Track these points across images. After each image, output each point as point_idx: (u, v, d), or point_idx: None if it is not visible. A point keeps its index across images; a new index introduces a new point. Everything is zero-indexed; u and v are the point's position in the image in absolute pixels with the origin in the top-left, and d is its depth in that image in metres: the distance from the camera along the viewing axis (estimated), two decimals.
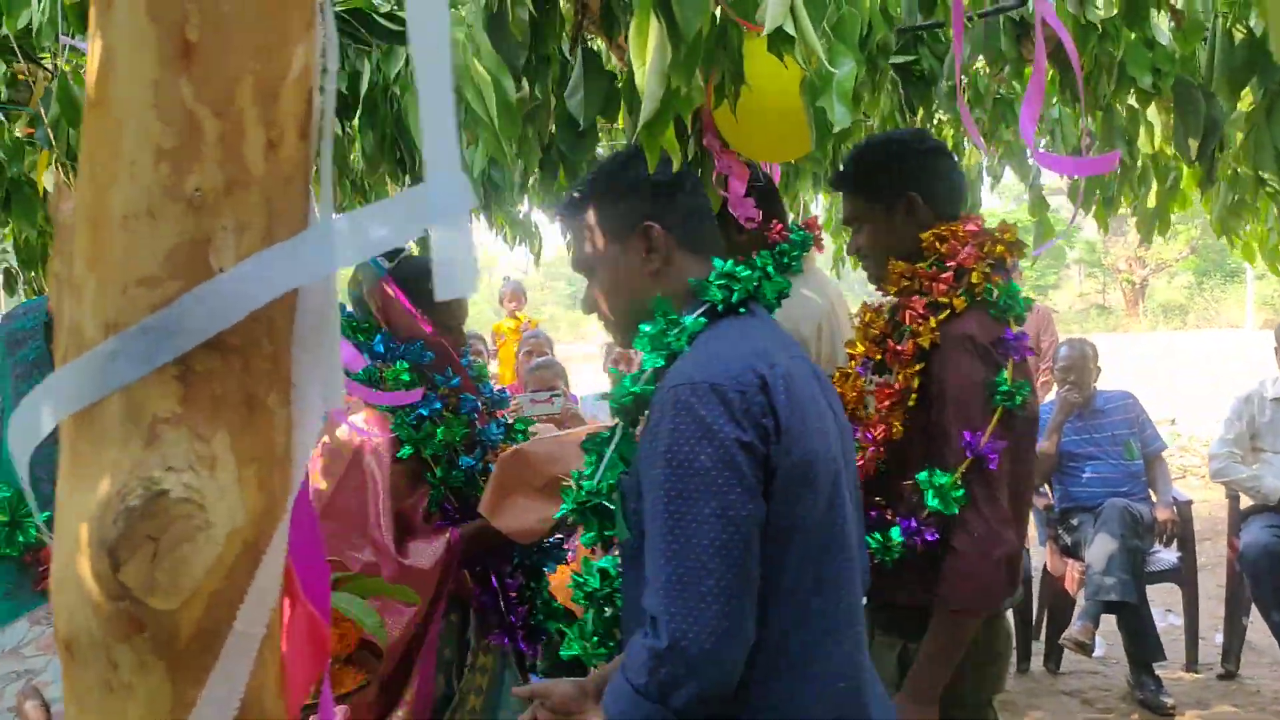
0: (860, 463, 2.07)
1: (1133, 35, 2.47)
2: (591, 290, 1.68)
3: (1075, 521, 4.78)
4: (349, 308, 2.45)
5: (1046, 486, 5.06)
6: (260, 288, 0.58)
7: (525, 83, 2.24)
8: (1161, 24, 2.40)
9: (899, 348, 2.09)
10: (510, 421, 2.61)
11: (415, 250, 2.53)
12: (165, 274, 0.56)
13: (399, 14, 2.19)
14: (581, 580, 1.74)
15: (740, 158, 2.09)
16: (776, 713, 1.40)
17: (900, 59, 2.99)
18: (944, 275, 2.07)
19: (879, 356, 2.16)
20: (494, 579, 2.47)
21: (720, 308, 1.55)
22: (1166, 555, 4.75)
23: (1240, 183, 2.89)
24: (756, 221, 2.10)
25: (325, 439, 2.27)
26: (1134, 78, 2.44)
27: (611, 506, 1.61)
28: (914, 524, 2.03)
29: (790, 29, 1.58)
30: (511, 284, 8.50)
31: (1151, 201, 3.57)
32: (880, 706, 1.53)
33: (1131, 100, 2.52)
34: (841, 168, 2.33)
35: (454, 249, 0.63)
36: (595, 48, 2.03)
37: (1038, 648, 4.83)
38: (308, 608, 0.68)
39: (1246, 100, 2.46)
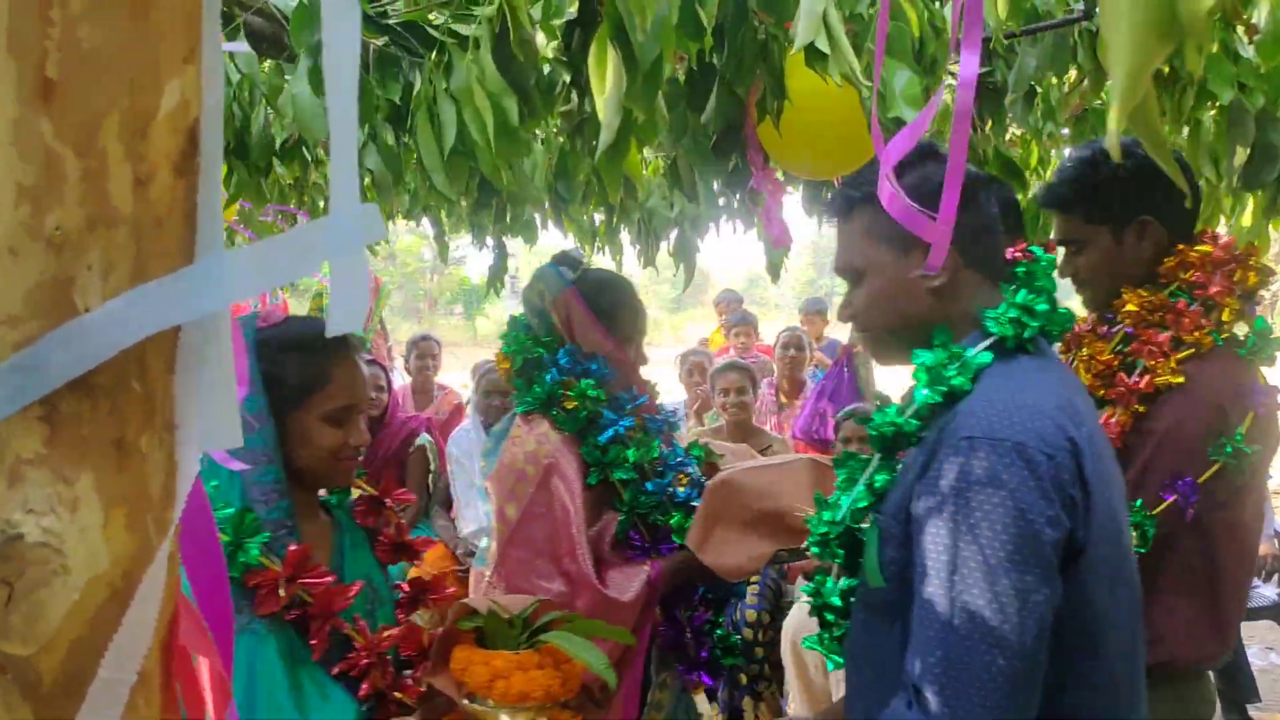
0: None
1: (1215, 47, 2.34)
2: (853, 297, 1.54)
3: None
4: (528, 320, 2.33)
5: None
6: (128, 328, 0.56)
7: (575, 97, 2.25)
8: (1244, 37, 2.27)
9: (1133, 383, 1.90)
10: (685, 445, 2.47)
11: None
12: (27, 313, 0.55)
13: (453, 26, 2.20)
14: (820, 598, 1.61)
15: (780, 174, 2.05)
16: None
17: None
18: (1192, 310, 1.88)
19: (1101, 392, 1.98)
20: (678, 613, 2.33)
21: (1010, 344, 1.39)
22: (1267, 591, 4.50)
23: None
24: (787, 243, 2.04)
25: (506, 459, 2.21)
26: (1214, 93, 2.31)
27: (860, 537, 1.47)
28: None
29: (824, 45, 1.54)
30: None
31: (1248, 220, 3.39)
32: None
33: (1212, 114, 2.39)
34: (1054, 182, 2.13)
35: (350, 283, 0.62)
36: None
37: None
38: (207, 654, 0.67)
39: None
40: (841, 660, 1.57)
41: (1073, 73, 3.33)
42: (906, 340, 1.46)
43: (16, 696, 0.57)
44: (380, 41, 2.17)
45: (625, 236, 3.89)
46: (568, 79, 2.18)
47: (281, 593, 1.55)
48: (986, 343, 1.39)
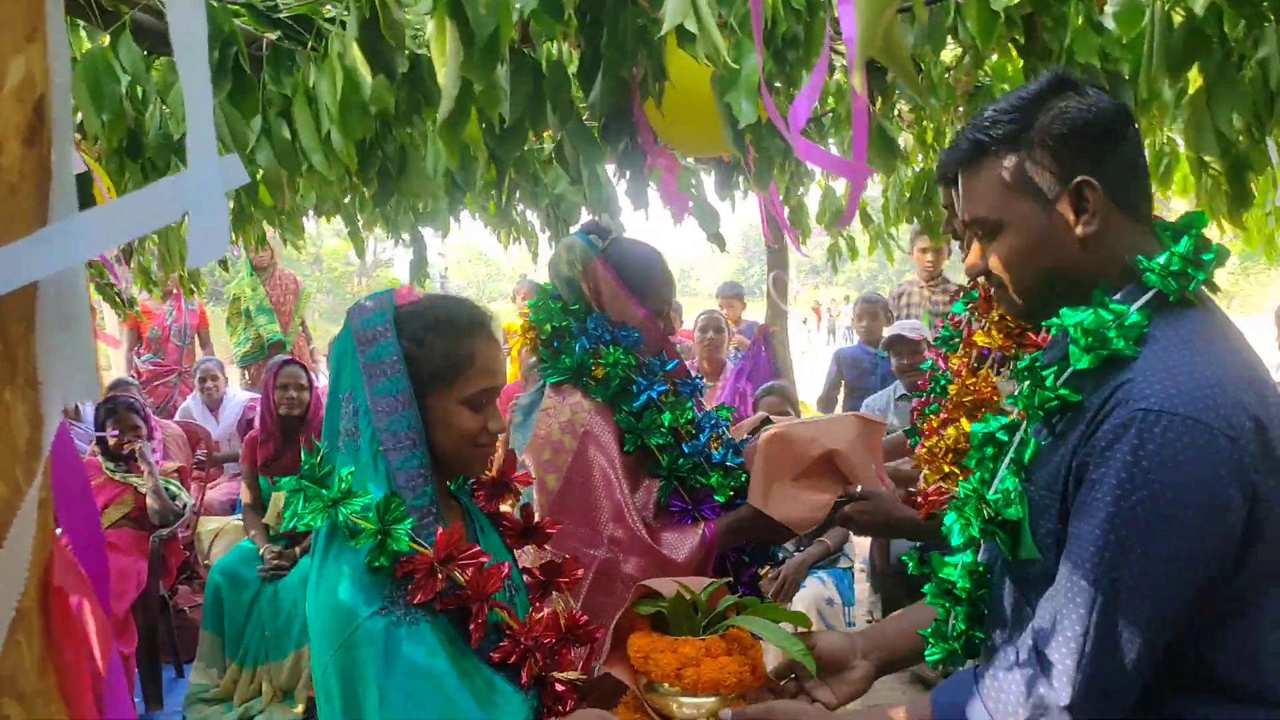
0: None
1: (1080, 20, 2.47)
2: (988, 253, 1.41)
3: None
4: (555, 289, 2.30)
5: None
6: None
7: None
8: (1108, 10, 2.39)
9: (1041, 341, 1.93)
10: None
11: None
12: None
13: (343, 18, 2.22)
14: (951, 580, 1.50)
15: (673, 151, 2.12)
16: None
17: None
18: None
19: (1013, 351, 2.03)
20: (727, 567, 2.31)
21: (1173, 298, 1.28)
22: None
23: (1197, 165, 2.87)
24: (686, 212, 2.11)
25: (541, 431, 2.19)
26: (1081, 63, 2.43)
27: (1013, 519, 1.36)
28: None
29: (692, 26, 1.60)
30: (527, 282, 8.58)
31: None
32: None
33: None
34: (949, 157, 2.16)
35: (211, 225, 0.67)
36: (528, 50, 2.07)
37: None
38: (84, 594, 0.72)
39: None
40: (941, 652, 1.51)
41: (957, 50, 3.47)
42: (1054, 295, 1.34)
43: None
44: (273, 36, 2.20)
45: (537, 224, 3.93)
46: None
47: (439, 576, 1.47)
48: (1146, 297, 1.28)
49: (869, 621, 4.57)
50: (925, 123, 3.98)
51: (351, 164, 1.70)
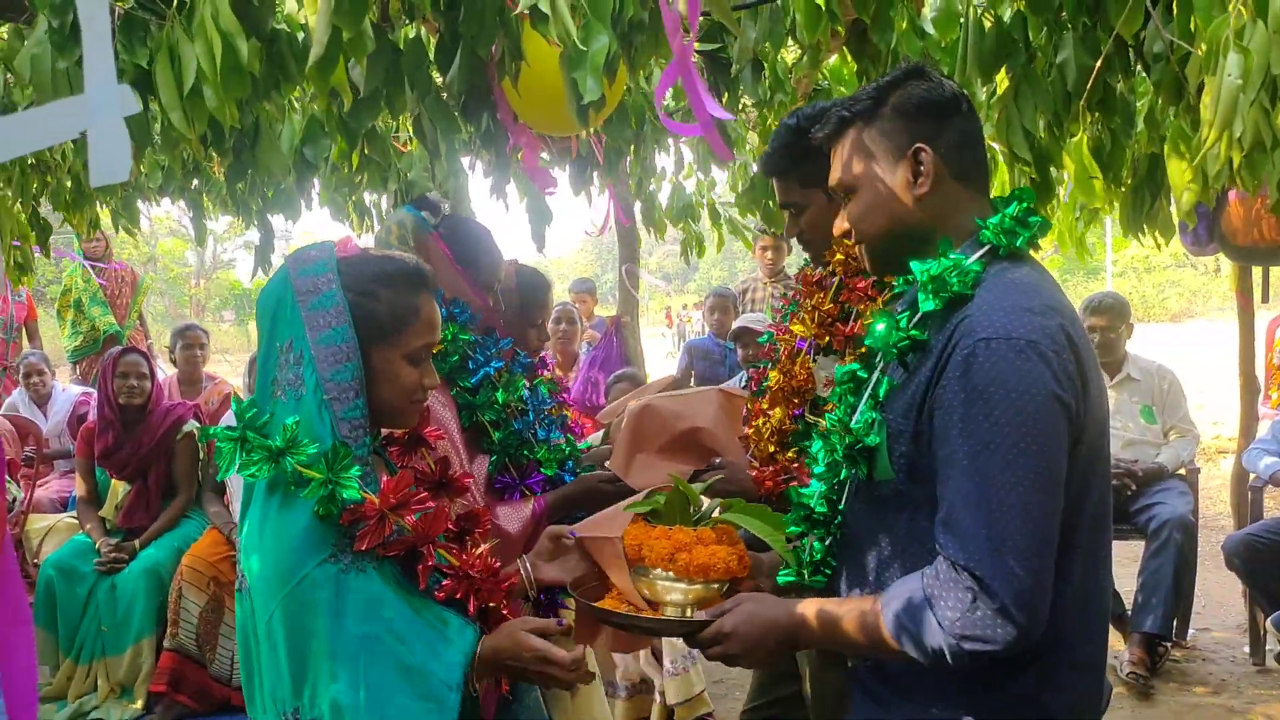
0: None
1: (904, 24, 2.68)
2: (849, 212, 1.62)
3: None
4: None
5: None
6: None
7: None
8: (927, 14, 2.62)
9: (848, 331, 2.07)
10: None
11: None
12: None
13: None
14: (808, 505, 1.64)
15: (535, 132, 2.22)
16: (1072, 655, 1.47)
17: (707, 46, 3.16)
18: None
19: (826, 340, 2.15)
20: None
21: (1003, 252, 1.49)
22: None
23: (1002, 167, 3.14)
24: (549, 188, 2.19)
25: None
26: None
27: (872, 446, 1.53)
28: None
29: (545, 7, 1.71)
30: None
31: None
32: None
33: None
34: (768, 151, 2.27)
35: (110, 145, 0.73)
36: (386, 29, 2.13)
37: None
38: None
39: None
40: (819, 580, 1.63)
41: (799, 52, 3.68)
42: (904, 250, 1.54)
43: None
44: (126, 5, 2.19)
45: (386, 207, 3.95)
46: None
47: (387, 522, 1.50)
48: (982, 251, 1.49)
49: None
50: (769, 120, 4.19)
51: (223, 118, 1.72)
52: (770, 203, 4.18)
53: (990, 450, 1.35)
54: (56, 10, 1.82)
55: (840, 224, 1.65)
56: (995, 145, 3.54)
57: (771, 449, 2.28)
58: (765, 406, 2.32)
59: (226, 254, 39.34)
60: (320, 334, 1.55)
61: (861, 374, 1.60)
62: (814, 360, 2.23)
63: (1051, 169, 2.62)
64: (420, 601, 1.56)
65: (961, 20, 2.51)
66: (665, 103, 1.96)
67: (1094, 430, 1.45)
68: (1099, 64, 2.32)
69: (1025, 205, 1.51)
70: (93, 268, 7.13)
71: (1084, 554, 1.46)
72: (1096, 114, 2.55)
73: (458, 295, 2.27)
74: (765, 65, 3.14)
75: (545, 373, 2.65)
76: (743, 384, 5.14)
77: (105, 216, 5.37)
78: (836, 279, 2.20)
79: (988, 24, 2.49)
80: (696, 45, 3.13)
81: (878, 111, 1.55)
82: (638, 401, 2.36)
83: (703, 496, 1.72)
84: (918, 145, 1.51)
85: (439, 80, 2.20)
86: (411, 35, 2.12)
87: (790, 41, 3.13)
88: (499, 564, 1.67)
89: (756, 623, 1.52)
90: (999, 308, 1.41)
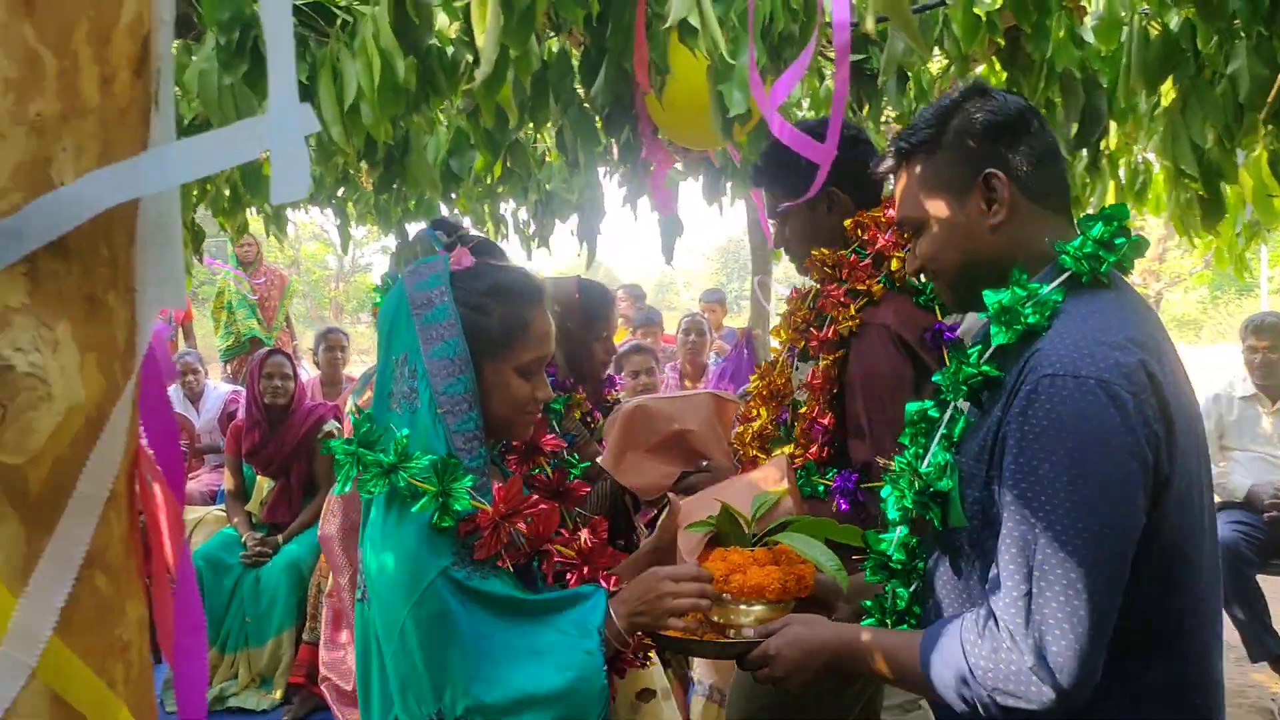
0: (813, 451, 2.11)
1: (1062, 33, 2.58)
2: (917, 247, 1.54)
3: None
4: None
5: None
6: (95, 200, 0.69)
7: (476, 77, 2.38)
8: (1088, 23, 2.51)
9: (820, 335, 2.11)
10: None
11: None
12: (12, 186, 0.67)
13: (357, 7, 2.29)
14: (885, 554, 1.59)
15: (672, 145, 2.21)
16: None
17: (852, 57, 3.10)
18: (863, 263, 2.08)
19: (802, 344, 2.20)
20: None
21: (1085, 279, 1.38)
22: None
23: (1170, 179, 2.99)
24: (672, 210, 2.20)
25: (365, 397, 2.26)
26: (1061, 73, 2.55)
27: (944, 491, 1.44)
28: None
29: (695, 21, 1.70)
30: None
31: (1110, 198, 3.68)
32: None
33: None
34: (756, 164, 2.32)
35: (291, 164, 0.75)
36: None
37: None
38: (160, 484, 0.79)
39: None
40: (876, 621, 1.58)
41: (945, 62, 3.58)
42: (978, 282, 1.44)
43: (6, 505, 0.69)
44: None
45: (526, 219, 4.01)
46: (470, 59, 2.32)
47: (503, 530, 1.52)
48: (1061, 278, 1.38)
49: None
50: None
51: (378, 134, 1.78)
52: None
53: (1039, 499, 1.25)
54: (224, 28, 1.89)
55: (911, 263, 1.58)
56: (1155, 159, 3.38)
57: (754, 452, 2.32)
58: (750, 411, 2.37)
59: (364, 258, 40.75)
60: (433, 347, 1.56)
61: (933, 413, 1.50)
62: (794, 366, 2.26)
63: (1222, 185, 2.47)
64: (548, 594, 1.57)
65: (1125, 28, 2.39)
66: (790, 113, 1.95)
67: (1182, 481, 1.29)
68: None
69: (1114, 225, 1.39)
70: (242, 272, 7.47)
71: (1179, 639, 1.33)
72: (1270, 127, 2.40)
73: None
74: (910, 76, 3.06)
75: (611, 392, 2.80)
76: None
77: (256, 223, 5.60)
78: (812, 288, 2.24)
79: (1153, 32, 2.37)
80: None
81: (940, 140, 1.47)
82: (629, 404, 2.43)
83: (767, 514, 1.73)
84: (989, 171, 1.42)
85: (582, 93, 2.21)
86: (556, 49, 2.14)
87: (937, 51, 3.05)
88: (601, 535, 1.68)
89: (801, 646, 1.48)
90: (1071, 341, 1.30)
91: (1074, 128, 2.39)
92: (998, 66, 3.35)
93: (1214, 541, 1.40)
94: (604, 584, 1.60)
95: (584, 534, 1.65)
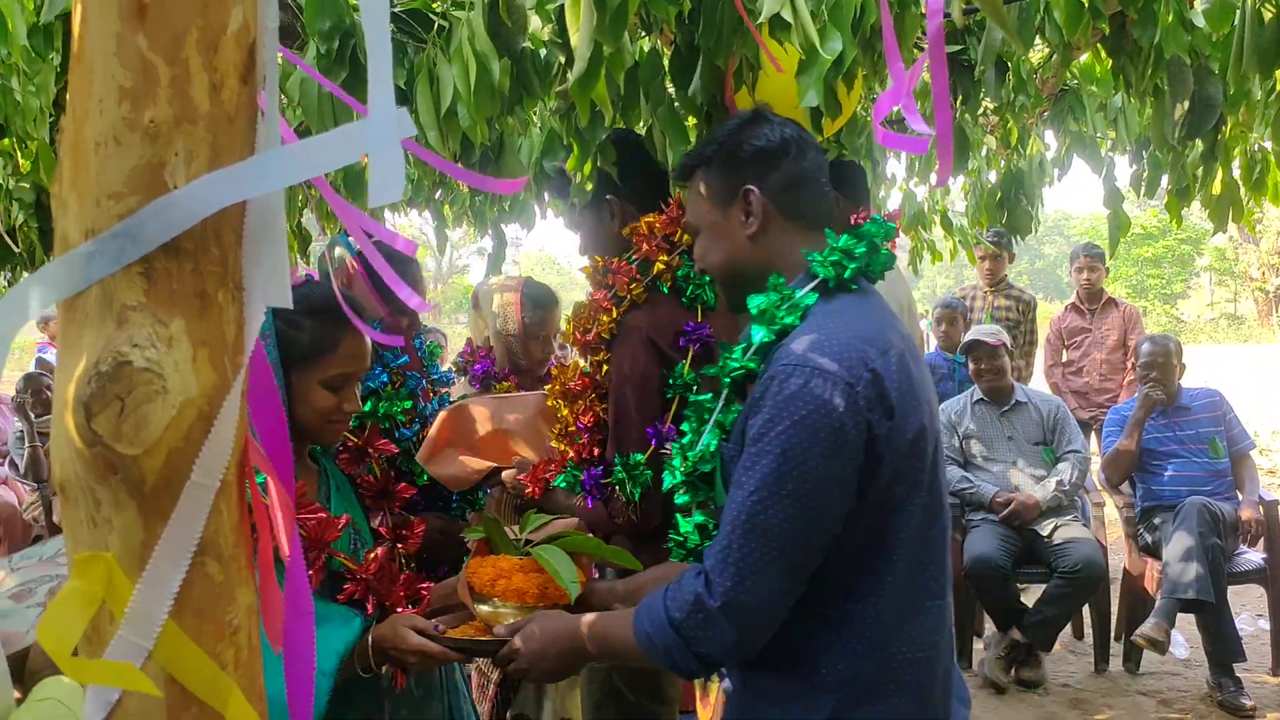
0: (578, 447, 2.25)
1: (1170, 18, 2.49)
2: (697, 249, 1.72)
3: (1156, 520, 4.71)
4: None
5: (1128, 484, 5.00)
6: (207, 202, 0.72)
7: (569, 77, 2.40)
8: (1198, 6, 2.41)
9: (585, 339, 2.23)
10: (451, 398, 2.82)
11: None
12: (128, 190, 0.71)
13: (453, 13, 2.33)
14: (681, 537, 1.77)
15: None
16: (854, 676, 1.46)
17: (949, 48, 3.04)
18: (628, 267, 2.19)
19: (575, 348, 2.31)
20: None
21: (832, 284, 1.55)
22: (1252, 556, 4.63)
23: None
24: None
25: None
26: (1170, 59, 2.46)
27: (707, 471, 1.67)
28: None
29: (788, 16, 1.69)
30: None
31: (1217, 188, 3.53)
32: (955, 681, 1.56)
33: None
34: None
35: (388, 168, 0.77)
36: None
37: (1116, 648, 4.75)
38: (270, 476, 0.82)
39: None
40: None
41: (1045, 52, 3.49)
42: (743, 285, 1.62)
43: (124, 495, 0.73)
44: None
45: None
46: (563, 60, 2.34)
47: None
48: (812, 284, 1.55)
49: None
50: (1010, 124, 4.00)
51: (474, 136, 1.82)
52: (1008, 215, 3.98)
53: (754, 464, 1.41)
54: (325, 37, 1.95)
55: (696, 263, 1.73)
56: (1271, 147, 3.23)
57: (560, 445, 2.41)
58: (556, 411, 2.46)
59: (461, 260, 41.55)
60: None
61: (709, 404, 1.69)
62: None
63: None
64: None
65: (1237, 11, 2.30)
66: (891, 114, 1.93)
67: (906, 455, 1.44)
68: None
69: (859, 237, 1.56)
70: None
71: (895, 592, 1.46)
72: None
73: (371, 314, 2.50)
74: (1010, 66, 2.99)
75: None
76: (973, 399, 4.94)
77: None
78: (590, 295, 2.34)
79: (1267, 15, 2.27)
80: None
81: (715, 156, 1.65)
82: (453, 405, 2.53)
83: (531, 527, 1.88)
84: (747, 187, 1.59)
85: (672, 92, 2.22)
86: (647, 47, 2.15)
87: (1038, 41, 2.97)
88: (399, 569, 1.84)
89: (540, 638, 1.62)
90: (808, 336, 1.46)
91: (1180, 115, 2.30)
92: (1103, 54, 3.25)
93: (945, 518, 1.54)
94: (402, 608, 1.78)
95: (377, 552, 1.80)
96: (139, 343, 0.71)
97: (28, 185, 3.55)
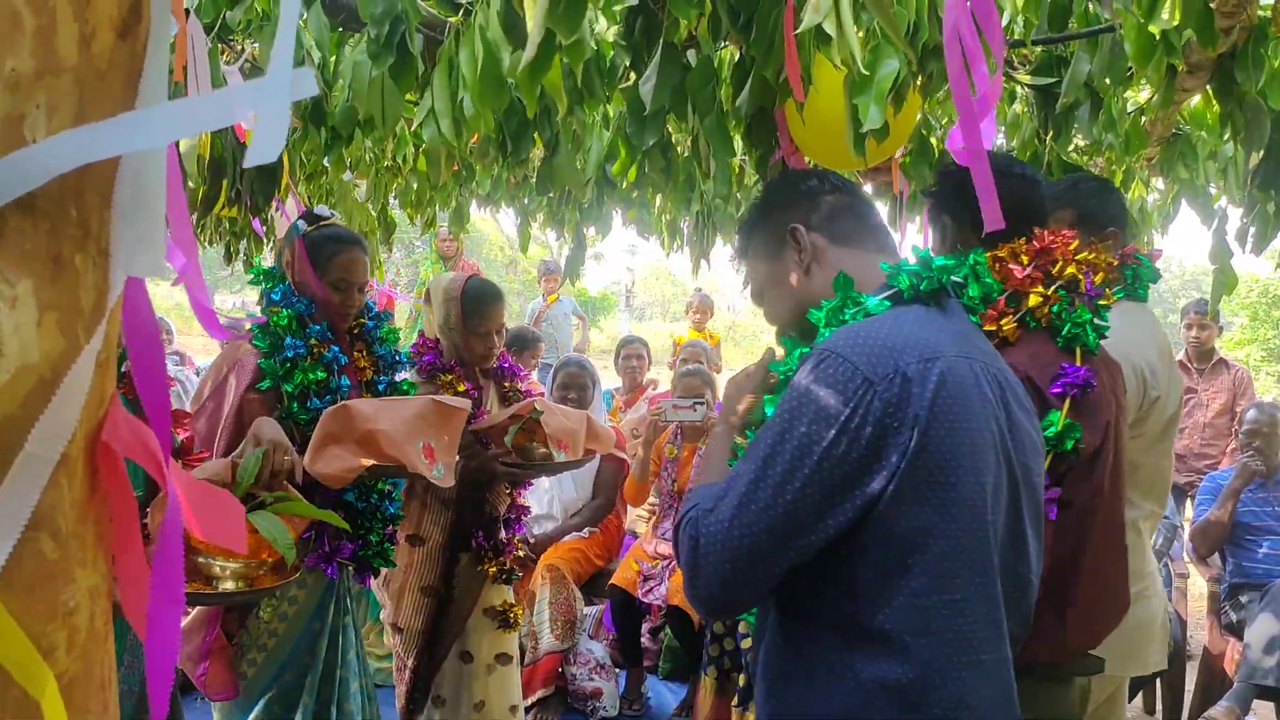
0: None
1: (1278, 62, 2.32)
2: (768, 310, 1.74)
3: (1244, 599, 4.44)
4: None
5: (1217, 558, 4.72)
6: (63, 158, 0.68)
7: (633, 79, 2.35)
8: None
9: None
10: (398, 381, 2.99)
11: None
12: None
13: None
14: None
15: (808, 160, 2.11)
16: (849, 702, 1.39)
17: (1040, 80, 2.90)
18: (996, 300, 1.91)
19: None
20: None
21: (907, 295, 1.52)
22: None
23: None
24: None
25: (219, 358, 2.74)
26: (1275, 109, 2.28)
27: None
28: None
29: (830, 28, 1.60)
30: (699, 295, 8.68)
31: None
32: None
33: None
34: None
35: (271, 128, 0.72)
36: (675, 40, 2.10)
37: None
38: (134, 457, 0.78)
39: None
40: None
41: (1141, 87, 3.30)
42: (809, 321, 1.60)
43: None
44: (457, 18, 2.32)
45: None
46: (628, 62, 2.29)
47: None
48: (887, 293, 1.53)
49: None
50: (1110, 163, 3.80)
51: (479, 128, 1.79)
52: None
53: (762, 434, 1.42)
54: (376, 21, 1.94)
55: (771, 322, 1.74)
56: None
57: None
58: None
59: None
60: None
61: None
62: None
63: None
64: None
65: None
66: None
67: (930, 466, 1.35)
68: None
69: (930, 260, 1.53)
70: (445, 261, 7.81)
71: (918, 594, 1.36)
72: None
73: (304, 289, 2.75)
74: (1104, 102, 2.83)
75: (514, 383, 3.38)
76: None
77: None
78: None
79: None
80: (1028, 78, 2.88)
81: (758, 223, 1.71)
82: (338, 404, 2.58)
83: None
84: (792, 226, 1.62)
85: (728, 102, 2.15)
86: (704, 58, 2.09)
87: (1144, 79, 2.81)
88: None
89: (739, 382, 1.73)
90: (853, 330, 1.46)
91: (1254, 164, 2.12)
92: (1212, 99, 3.06)
93: (989, 572, 1.42)
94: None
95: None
96: None
97: None
